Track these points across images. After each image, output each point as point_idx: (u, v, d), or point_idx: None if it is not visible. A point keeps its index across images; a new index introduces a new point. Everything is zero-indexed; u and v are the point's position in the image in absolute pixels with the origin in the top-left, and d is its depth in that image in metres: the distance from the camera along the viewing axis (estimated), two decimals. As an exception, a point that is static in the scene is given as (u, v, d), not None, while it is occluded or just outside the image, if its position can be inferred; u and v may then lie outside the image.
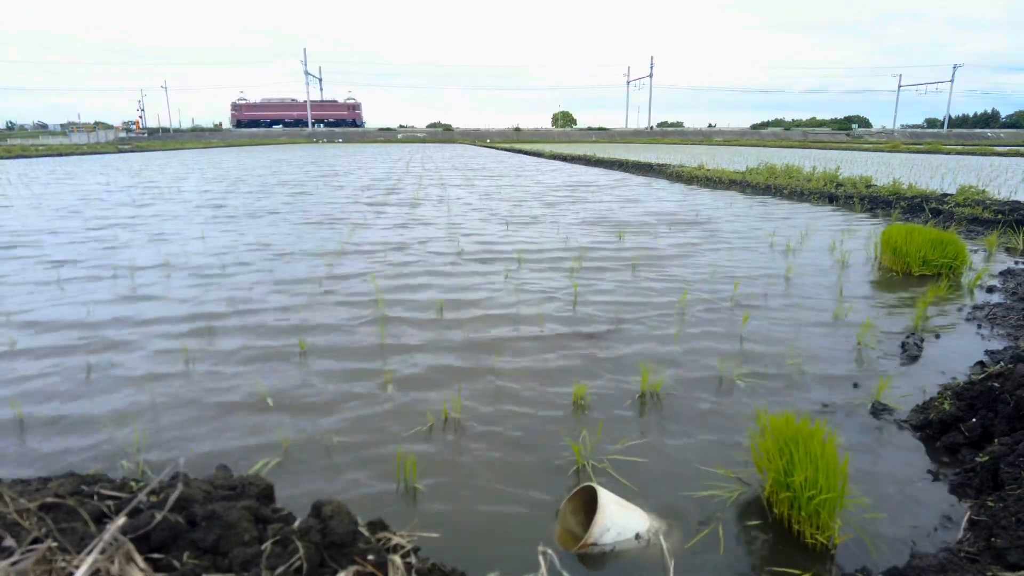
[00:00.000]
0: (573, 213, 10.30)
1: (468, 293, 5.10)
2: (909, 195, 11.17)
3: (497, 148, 55.04)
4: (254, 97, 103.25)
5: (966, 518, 2.10)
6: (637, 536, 2.01)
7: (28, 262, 6.35)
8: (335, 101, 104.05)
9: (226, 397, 3.13)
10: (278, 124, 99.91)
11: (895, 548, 2.01)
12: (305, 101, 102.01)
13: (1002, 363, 2.99)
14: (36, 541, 1.24)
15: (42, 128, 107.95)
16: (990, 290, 5.24)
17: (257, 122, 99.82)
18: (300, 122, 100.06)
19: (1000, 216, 8.67)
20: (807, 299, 4.99)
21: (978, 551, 1.87)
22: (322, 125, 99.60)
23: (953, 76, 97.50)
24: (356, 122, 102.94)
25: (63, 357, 3.66)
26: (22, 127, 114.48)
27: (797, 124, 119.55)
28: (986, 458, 2.32)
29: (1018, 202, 9.70)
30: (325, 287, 5.28)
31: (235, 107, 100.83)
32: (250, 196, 13.14)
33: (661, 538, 2.02)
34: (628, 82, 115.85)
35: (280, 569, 1.28)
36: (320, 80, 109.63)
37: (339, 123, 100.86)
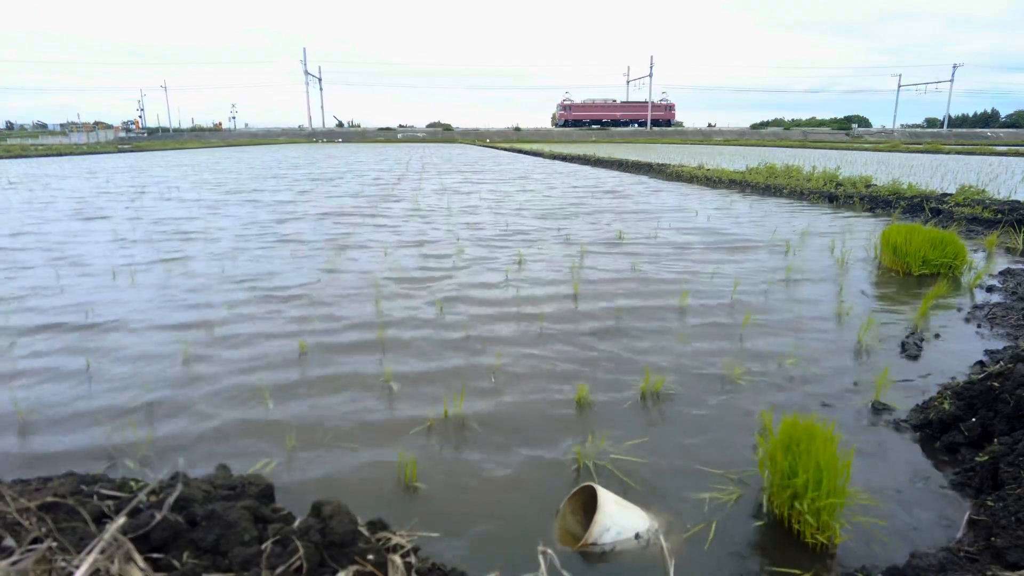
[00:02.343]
0: (593, 230, 8.59)
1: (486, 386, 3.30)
2: (909, 195, 11.17)
3: (497, 148, 54.99)
4: (578, 97, 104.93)
5: (966, 517, 2.10)
6: (637, 536, 2.01)
7: None
8: (651, 102, 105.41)
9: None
10: (597, 124, 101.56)
11: (895, 547, 2.01)
12: (624, 102, 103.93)
13: (1002, 363, 2.99)
14: (36, 541, 1.24)
15: (42, 128, 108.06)
16: (990, 290, 5.24)
17: (580, 122, 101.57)
18: (617, 122, 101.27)
19: (1000, 216, 8.67)
20: (807, 298, 4.99)
21: (978, 550, 1.87)
22: (636, 125, 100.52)
23: (953, 76, 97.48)
24: (670, 122, 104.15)
25: None
26: (22, 127, 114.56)
27: (797, 124, 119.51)
28: (986, 458, 2.32)
29: (1018, 202, 9.70)
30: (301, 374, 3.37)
31: (564, 107, 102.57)
32: (219, 207, 11.12)
33: (661, 537, 2.02)
34: (628, 82, 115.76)
35: (280, 569, 1.28)
36: (320, 80, 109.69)
37: (654, 123, 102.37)
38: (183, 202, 11.98)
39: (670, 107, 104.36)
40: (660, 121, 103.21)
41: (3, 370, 3.47)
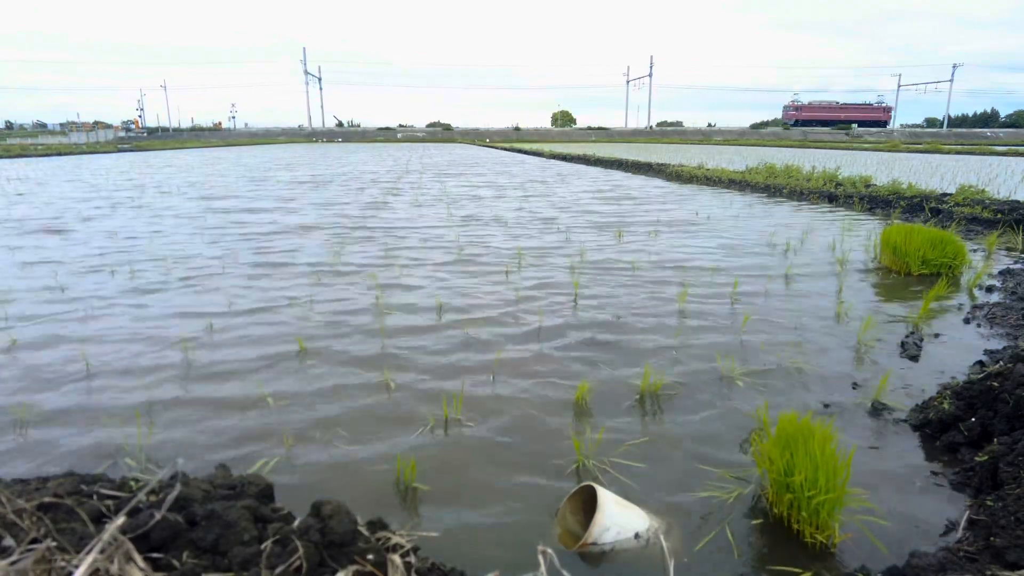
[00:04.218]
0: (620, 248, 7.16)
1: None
2: (908, 194, 11.17)
3: (498, 148, 54.96)
4: (803, 100, 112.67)
5: (965, 517, 2.10)
6: (637, 535, 2.01)
7: None
8: (869, 104, 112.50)
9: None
10: (822, 124, 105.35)
11: (895, 547, 2.01)
12: (845, 104, 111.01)
13: (1001, 362, 2.99)
14: (35, 541, 1.24)
15: (41, 128, 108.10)
16: (989, 289, 5.24)
17: (808, 121, 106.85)
18: (839, 122, 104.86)
19: (999, 216, 8.67)
20: (807, 299, 4.99)
21: (977, 550, 1.87)
22: (856, 126, 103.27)
23: (953, 76, 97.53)
24: (886, 123, 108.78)
25: None
26: (21, 127, 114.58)
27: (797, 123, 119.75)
28: (985, 457, 2.32)
29: (1017, 202, 9.70)
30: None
31: (795, 108, 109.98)
32: (189, 220, 9.33)
33: (661, 537, 2.02)
34: (628, 81, 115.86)
35: (280, 568, 1.28)
36: (320, 80, 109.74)
37: (873, 123, 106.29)
38: (153, 211, 10.67)
39: (887, 109, 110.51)
40: (879, 122, 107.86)
41: None
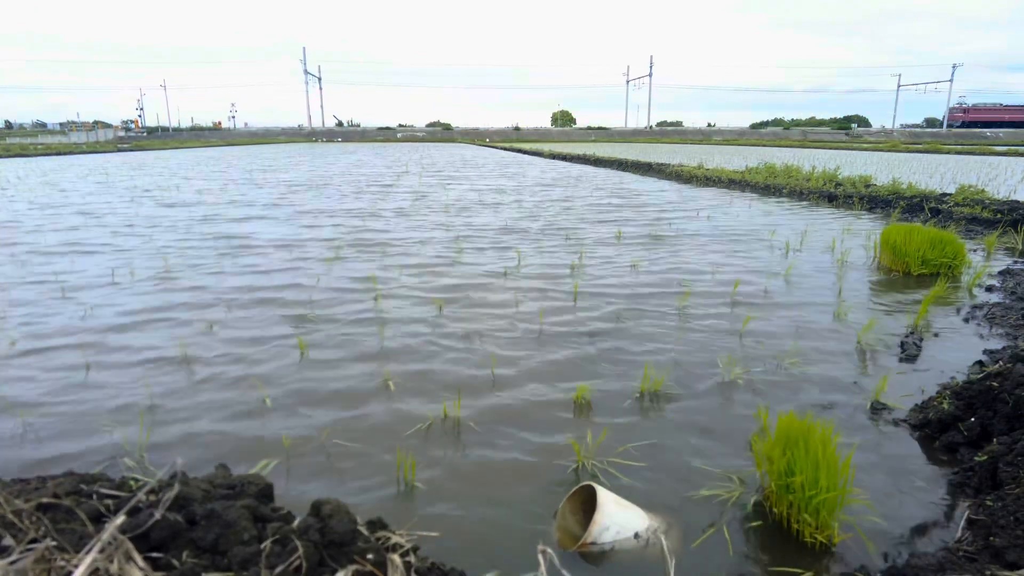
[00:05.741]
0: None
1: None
2: (908, 195, 11.17)
3: (498, 148, 54.91)
4: (969, 102, 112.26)
5: (965, 517, 2.10)
6: (636, 535, 2.01)
7: None
8: None
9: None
10: (986, 125, 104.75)
11: (894, 547, 2.01)
12: (1008, 106, 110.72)
13: (1001, 362, 2.99)
14: (34, 541, 1.24)
15: (41, 127, 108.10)
16: (989, 289, 5.25)
17: (974, 123, 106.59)
18: (1003, 124, 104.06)
19: (999, 216, 8.67)
20: (807, 298, 4.99)
21: (976, 550, 1.87)
22: (1007, 128, 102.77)
23: (952, 76, 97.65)
24: None
25: None
26: (21, 126, 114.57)
27: (796, 124, 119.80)
28: (985, 457, 2.32)
29: (1017, 202, 9.70)
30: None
31: (962, 110, 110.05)
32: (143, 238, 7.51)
33: (661, 536, 2.02)
34: (628, 81, 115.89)
35: (279, 568, 1.28)
36: (320, 79, 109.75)
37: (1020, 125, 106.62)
38: (108, 218, 9.46)
39: None
40: None
41: None
